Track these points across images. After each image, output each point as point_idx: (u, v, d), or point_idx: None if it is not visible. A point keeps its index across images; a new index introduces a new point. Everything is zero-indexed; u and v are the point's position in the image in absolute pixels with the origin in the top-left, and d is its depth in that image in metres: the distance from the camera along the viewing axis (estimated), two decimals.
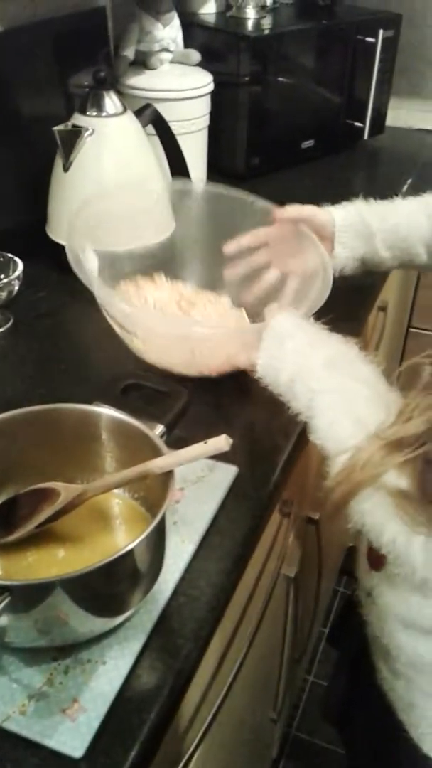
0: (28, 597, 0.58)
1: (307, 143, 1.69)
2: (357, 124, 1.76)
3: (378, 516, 0.67)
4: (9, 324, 1.09)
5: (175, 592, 0.69)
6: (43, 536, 0.70)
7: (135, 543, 0.60)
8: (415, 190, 1.59)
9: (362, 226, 1.03)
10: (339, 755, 1.27)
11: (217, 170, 1.52)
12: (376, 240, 1.04)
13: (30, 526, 0.68)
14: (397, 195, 1.46)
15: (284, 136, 1.66)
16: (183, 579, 0.70)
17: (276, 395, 0.80)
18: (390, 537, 0.67)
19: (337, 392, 0.75)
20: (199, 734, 0.73)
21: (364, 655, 0.90)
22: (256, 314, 1.00)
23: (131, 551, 0.60)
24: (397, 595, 0.77)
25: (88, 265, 0.91)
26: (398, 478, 0.66)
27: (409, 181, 1.59)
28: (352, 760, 1.09)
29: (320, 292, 0.89)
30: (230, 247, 1.03)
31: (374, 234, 1.03)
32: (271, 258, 1.04)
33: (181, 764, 0.70)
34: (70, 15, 1.33)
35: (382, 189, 1.37)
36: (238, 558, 0.74)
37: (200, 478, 0.81)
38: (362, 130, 1.76)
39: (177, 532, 0.74)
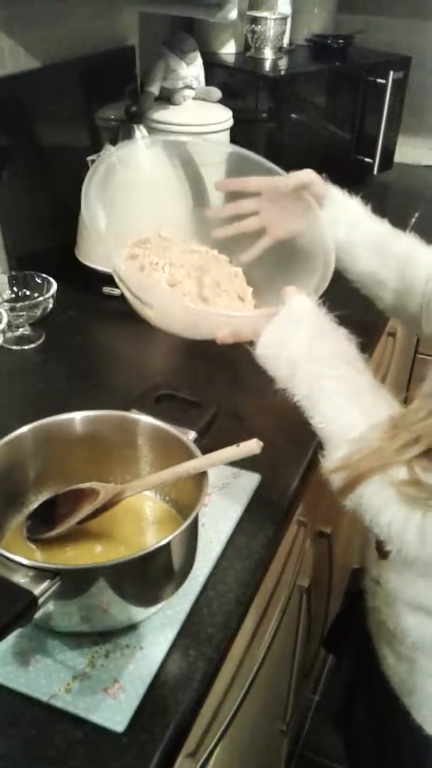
0: (73, 582, 0.63)
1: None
2: (367, 159, 1.84)
3: (378, 499, 0.70)
4: (41, 340, 1.15)
5: (205, 587, 0.74)
6: (81, 534, 0.75)
7: (172, 536, 0.65)
8: (423, 223, 1.67)
9: (352, 214, 1.02)
10: None
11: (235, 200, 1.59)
12: (359, 231, 1.01)
13: (72, 522, 0.74)
14: (405, 228, 1.53)
15: (298, 169, 1.73)
16: (212, 575, 0.76)
17: (269, 373, 0.79)
18: (387, 519, 0.70)
19: (345, 381, 0.75)
20: (220, 730, 0.77)
21: (364, 649, 0.94)
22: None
23: (168, 544, 0.65)
24: (404, 580, 0.82)
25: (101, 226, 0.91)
26: (400, 467, 0.69)
27: (416, 215, 1.67)
28: (352, 757, 1.11)
29: (325, 269, 0.90)
30: (221, 185, 1.05)
31: (359, 223, 1.01)
32: (259, 209, 1.02)
33: (202, 759, 0.74)
34: (101, 53, 1.41)
35: (392, 221, 1.44)
36: (262, 558, 0.79)
37: (226, 484, 0.87)
38: (372, 165, 1.85)
39: (205, 533, 0.80)
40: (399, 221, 1.62)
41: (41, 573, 0.61)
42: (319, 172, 1.76)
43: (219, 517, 0.82)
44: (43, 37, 1.24)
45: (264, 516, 0.84)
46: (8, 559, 0.61)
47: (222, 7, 1.32)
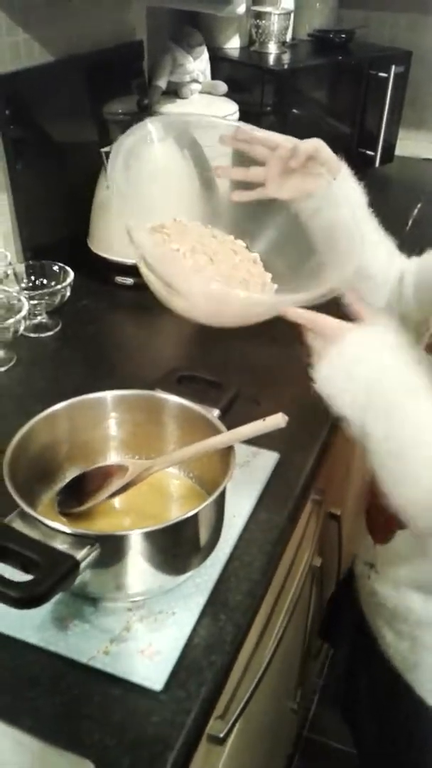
0: (110, 549, 0.66)
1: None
2: (369, 152, 1.88)
3: None
4: (58, 328, 1.18)
5: (231, 558, 0.77)
6: (110, 509, 0.78)
7: (201, 507, 0.69)
8: (425, 215, 1.70)
9: (358, 196, 0.97)
10: (350, 755, 1.33)
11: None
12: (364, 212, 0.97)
13: (103, 496, 0.76)
14: (408, 219, 1.56)
15: None
16: (237, 547, 0.79)
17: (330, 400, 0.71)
18: None
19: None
20: (246, 697, 0.80)
21: (361, 633, 0.96)
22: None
23: (196, 515, 0.69)
24: (407, 562, 0.85)
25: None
26: None
27: (419, 206, 1.70)
28: (359, 740, 1.15)
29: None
30: (223, 172, 1.00)
31: (360, 208, 0.96)
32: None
33: (231, 722, 0.77)
34: (110, 48, 1.44)
35: (395, 213, 1.47)
36: (282, 531, 0.83)
37: (246, 462, 0.90)
38: (374, 158, 1.88)
39: (228, 509, 0.82)
40: (401, 212, 1.67)
41: (81, 539, 0.64)
42: None
43: (241, 494, 0.85)
44: (56, 32, 1.27)
45: (283, 493, 0.87)
46: (51, 528, 0.64)
47: (230, 2, 1.35)
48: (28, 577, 0.59)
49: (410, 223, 1.65)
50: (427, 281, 0.96)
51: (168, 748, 0.60)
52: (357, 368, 0.70)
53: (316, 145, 0.92)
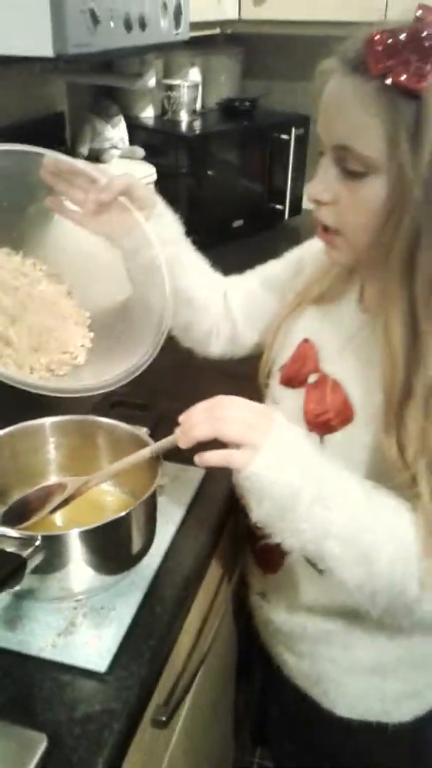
0: (53, 547, 0.73)
1: (237, 223, 1.96)
2: (278, 206, 2.05)
3: None
4: None
5: (165, 558, 0.86)
6: (51, 525, 0.86)
7: (134, 506, 0.78)
8: None
9: (176, 229, 0.98)
10: None
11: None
12: (182, 248, 0.99)
13: (45, 511, 0.84)
14: None
15: (217, 217, 1.92)
16: (170, 549, 0.88)
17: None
18: None
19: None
20: (183, 689, 0.88)
21: (267, 662, 1.03)
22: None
23: (129, 515, 0.78)
24: (297, 589, 0.92)
25: None
26: None
27: None
28: (279, 760, 1.20)
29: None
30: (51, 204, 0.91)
31: (181, 240, 0.99)
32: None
33: (169, 712, 0.83)
34: (32, 119, 1.56)
35: None
36: (212, 533, 0.92)
37: (177, 477, 0.99)
38: (283, 211, 2.05)
39: (161, 517, 0.91)
40: None
41: (26, 541, 0.72)
42: (237, 218, 1.96)
43: (172, 504, 0.94)
44: None
45: (211, 503, 0.97)
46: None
47: (141, 76, 1.50)
48: None
49: None
50: (254, 283, 1.06)
51: (114, 719, 0.68)
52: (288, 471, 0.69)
53: (128, 181, 0.88)
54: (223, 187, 1.93)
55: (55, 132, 1.65)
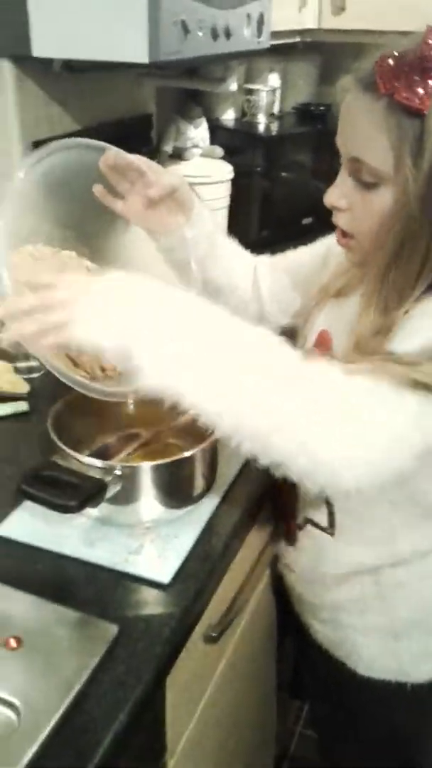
0: (128, 478, 0.87)
1: (307, 220, 2.07)
2: None
3: None
4: None
5: (222, 501, 0.99)
6: None
7: (198, 449, 0.91)
8: None
9: (211, 229, 1.05)
10: None
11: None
12: (216, 244, 1.07)
13: (121, 455, 0.98)
14: None
15: (288, 215, 2.04)
16: (228, 492, 1.00)
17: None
18: None
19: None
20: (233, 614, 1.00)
21: (298, 626, 1.12)
22: None
23: (194, 455, 0.91)
24: (311, 558, 1.01)
25: None
26: None
27: None
28: (314, 719, 1.31)
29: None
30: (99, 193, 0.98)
31: (216, 238, 1.06)
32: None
33: (219, 630, 0.96)
34: (123, 119, 1.72)
35: None
36: (263, 485, 1.04)
37: None
38: None
39: (222, 464, 1.03)
40: None
41: (107, 470, 0.86)
42: (307, 216, 2.07)
43: (231, 457, 1.06)
44: (83, 106, 1.55)
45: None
46: (84, 463, 0.87)
47: (224, 81, 1.64)
48: None
49: None
50: (284, 270, 1.13)
51: (174, 619, 0.81)
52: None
53: (174, 183, 0.97)
54: (295, 186, 2.05)
55: (143, 131, 1.80)
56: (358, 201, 0.82)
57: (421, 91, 0.72)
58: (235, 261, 1.12)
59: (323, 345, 0.97)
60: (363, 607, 0.98)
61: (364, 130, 0.77)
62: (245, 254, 1.14)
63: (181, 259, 1.01)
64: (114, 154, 0.94)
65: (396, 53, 0.75)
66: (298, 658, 1.28)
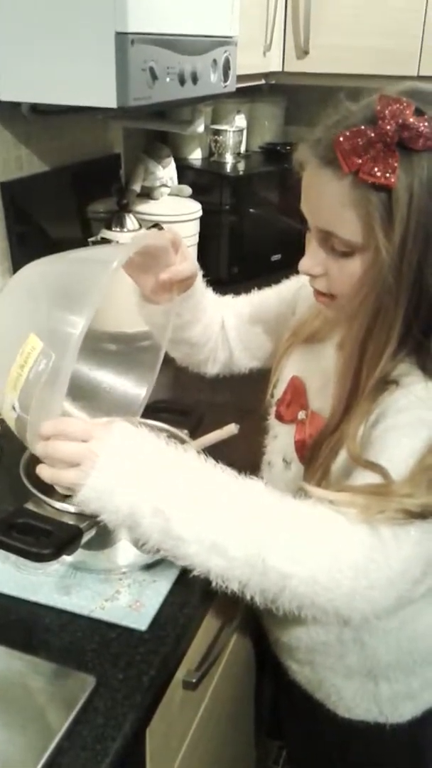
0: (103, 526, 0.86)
1: (276, 257, 2.10)
2: None
3: None
4: None
5: None
6: None
7: None
8: None
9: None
10: None
11: (204, 277, 1.90)
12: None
13: None
14: None
15: (257, 251, 2.06)
16: None
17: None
18: None
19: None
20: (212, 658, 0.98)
21: (275, 666, 1.11)
22: None
23: None
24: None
25: None
26: None
27: None
28: (291, 755, 1.29)
29: None
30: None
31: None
32: None
33: (198, 675, 0.94)
34: (93, 159, 1.73)
35: None
36: None
37: None
38: None
39: None
40: None
41: (83, 515, 0.84)
42: (276, 253, 2.10)
43: None
44: (50, 148, 1.56)
45: None
46: (58, 509, 0.85)
47: (191, 122, 1.66)
48: None
49: None
50: (251, 317, 1.13)
51: (152, 667, 0.79)
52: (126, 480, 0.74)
53: (192, 272, 1.03)
54: (263, 223, 2.08)
55: (112, 170, 1.82)
56: (333, 267, 0.81)
57: (385, 166, 0.72)
58: (210, 318, 1.12)
59: (297, 393, 0.96)
60: (341, 651, 0.96)
61: (332, 205, 0.77)
62: (216, 305, 1.13)
63: (159, 323, 1.04)
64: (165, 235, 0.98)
65: (352, 130, 0.74)
66: (276, 698, 1.26)
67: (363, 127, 0.73)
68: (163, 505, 0.73)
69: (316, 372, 0.92)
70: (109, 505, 0.74)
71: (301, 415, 0.94)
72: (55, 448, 0.75)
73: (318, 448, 0.84)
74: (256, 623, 1.13)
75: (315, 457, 0.85)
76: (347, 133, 0.73)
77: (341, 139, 0.73)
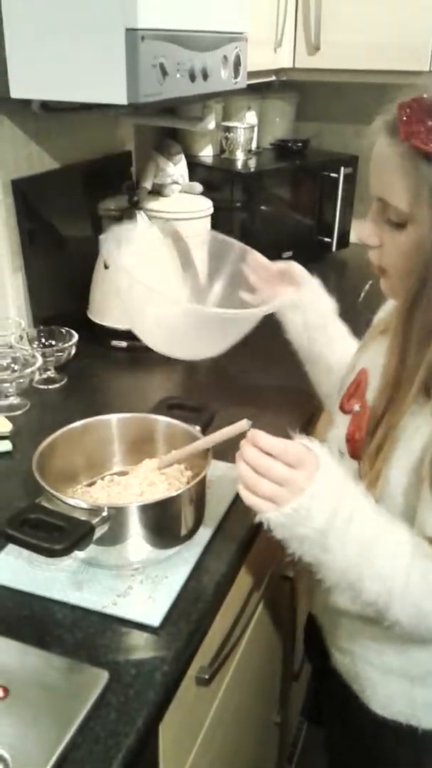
0: (116, 518, 0.86)
1: (287, 254, 2.09)
2: (326, 239, 2.18)
3: None
4: (64, 381, 1.40)
5: (212, 539, 0.98)
6: None
7: (186, 487, 0.90)
8: (372, 292, 1.98)
9: (324, 305, 1.21)
10: None
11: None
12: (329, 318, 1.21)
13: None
14: (360, 293, 1.83)
15: (269, 248, 2.04)
16: (217, 530, 0.99)
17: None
18: None
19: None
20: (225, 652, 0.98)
21: (322, 651, 1.11)
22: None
23: (181, 493, 0.90)
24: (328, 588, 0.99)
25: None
26: None
27: (369, 282, 1.98)
28: (328, 741, 1.29)
29: None
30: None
31: (325, 313, 1.21)
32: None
33: (212, 671, 0.94)
34: (104, 156, 1.73)
35: (349, 289, 1.75)
36: (255, 524, 1.02)
37: (223, 475, 1.11)
38: (331, 244, 2.18)
39: (209, 505, 1.02)
40: (354, 289, 1.95)
41: (94, 511, 0.84)
42: (287, 250, 2.09)
43: (220, 495, 1.06)
44: (61, 145, 1.56)
45: None
46: (70, 504, 0.85)
47: (202, 119, 1.66)
48: None
49: (361, 297, 1.92)
50: None
51: (165, 663, 0.79)
52: (315, 515, 0.77)
53: (280, 268, 1.22)
54: (274, 220, 2.07)
55: (123, 168, 1.82)
56: (386, 238, 0.84)
57: None
58: (344, 344, 1.17)
59: (358, 385, 0.97)
60: (380, 646, 0.96)
61: (386, 173, 0.81)
62: (352, 342, 1.18)
63: (295, 322, 1.20)
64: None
65: (415, 99, 0.77)
66: (317, 682, 1.25)
67: (425, 96, 0.77)
68: (330, 543, 0.78)
69: (379, 364, 0.93)
70: (287, 537, 0.79)
71: (356, 407, 0.96)
72: (270, 466, 0.78)
73: (366, 442, 0.87)
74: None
75: (365, 452, 0.88)
76: (410, 100, 0.77)
77: (405, 105, 0.77)
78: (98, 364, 1.49)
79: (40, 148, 1.49)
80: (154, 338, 1.21)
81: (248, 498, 0.79)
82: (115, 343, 1.54)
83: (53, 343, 1.41)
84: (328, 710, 1.21)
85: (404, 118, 0.77)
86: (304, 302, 1.20)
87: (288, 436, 0.82)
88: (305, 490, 0.77)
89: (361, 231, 0.88)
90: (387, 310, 1.03)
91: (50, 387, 1.39)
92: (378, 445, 0.86)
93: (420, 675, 0.96)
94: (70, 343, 1.38)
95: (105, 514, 0.84)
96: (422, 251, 0.78)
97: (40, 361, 1.29)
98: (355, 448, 0.94)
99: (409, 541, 0.81)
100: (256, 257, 1.26)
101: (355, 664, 1.02)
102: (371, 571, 0.80)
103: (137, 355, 1.51)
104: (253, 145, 2.15)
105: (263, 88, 2.14)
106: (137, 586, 0.89)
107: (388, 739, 1.03)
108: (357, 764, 1.11)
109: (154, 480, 0.99)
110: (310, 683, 1.32)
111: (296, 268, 1.22)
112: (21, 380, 1.28)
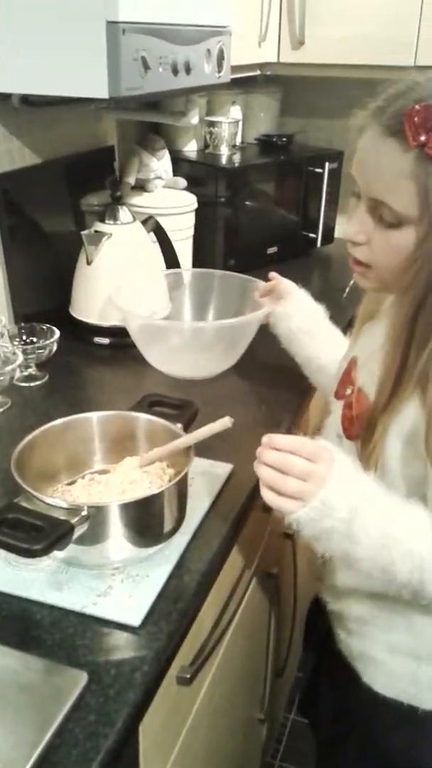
0: (95, 517, 0.85)
1: (272, 249, 2.09)
2: (311, 235, 2.17)
3: None
4: (45, 379, 1.39)
5: (194, 537, 0.97)
6: None
7: (167, 486, 0.89)
8: (356, 288, 1.98)
9: (306, 309, 1.32)
10: None
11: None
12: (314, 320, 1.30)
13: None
14: (343, 291, 1.83)
15: (253, 244, 2.05)
16: (198, 530, 0.98)
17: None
18: None
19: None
20: (207, 651, 0.98)
21: (326, 634, 1.12)
22: None
23: (163, 491, 0.89)
24: (340, 571, 1.02)
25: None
26: None
27: (352, 282, 1.97)
28: (320, 733, 1.29)
29: None
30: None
31: (310, 315, 1.31)
32: None
33: (193, 671, 0.93)
34: (86, 152, 1.72)
35: (335, 283, 1.74)
36: (237, 520, 1.03)
37: (206, 471, 1.10)
38: (315, 240, 2.17)
39: (191, 503, 1.02)
40: (339, 283, 1.94)
41: (74, 510, 0.83)
42: (272, 245, 2.08)
43: (202, 493, 1.05)
44: (43, 140, 1.54)
45: (237, 494, 1.07)
46: (49, 504, 0.84)
47: (186, 114, 1.64)
48: None
49: (346, 291, 1.91)
50: None
51: (145, 663, 0.78)
52: (337, 510, 0.79)
53: (267, 286, 1.39)
54: (259, 216, 2.06)
55: (106, 163, 1.80)
56: (377, 237, 0.85)
57: None
58: (333, 344, 1.23)
59: (350, 370, 1.00)
60: (388, 625, 0.98)
61: (389, 175, 0.80)
62: (342, 340, 1.24)
63: (284, 330, 1.31)
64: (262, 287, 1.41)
65: (425, 104, 0.76)
66: (317, 671, 1.25)
67: None
68: (356, 532, 0.79)
69: (365, 349, 0.95)
70: (314, 534, 0.80)
71: (349, 390, 0.98)
72: (292, 461, 0.79)
73: (370, 428, 0.88)
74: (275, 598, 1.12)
75: (368, 437, 0.89)
76: (418, 107, 0.76)
77: (413, 112, 0.76)
78: (80, 361, 1.48)
79: (22, 143, 1.48)
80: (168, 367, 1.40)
81: (275, 500, 0.80)
82: (97, 339, 1.53)
83: (34, 339, 1.40)
84: (324, 698, 1.21)
85: (414, 125, 0.76)
86: (289, 312, 1.31)
87: (281, 432, 0.82)
88: (327, 482, 0.78)
89: (349, 229, 0.88)
90: (369, 300, 1.04)
91: (31, 384, 1.38)
92: (384, 429, 0.88)
93: (427, 653, 0.97)
94: (52, 340, 1.36)
95: (84, 513, 0.84)
96: (429, 250, 0.79)
97: (20, 358, 1.27)
98: (350, 426, 0.95)
99: (424, 514, 0.83)
100: (258, 284, 1.43)
101: (363, 643, 1.02)
102: (398, 551, 0.81)
103: (119, 352, 1.50)
104: (238, 140, 2.14)
105: (248, 83, 2.13)
106: (118, 585, 0.88)
107: (385, 720, 1.03)
108: (347, 755, 1.11)
109: (136, 478, 0.98)
110: (304, 677, 1.31)
111: (282, 284, 1.35)
112: (1, 378, 1.26)
